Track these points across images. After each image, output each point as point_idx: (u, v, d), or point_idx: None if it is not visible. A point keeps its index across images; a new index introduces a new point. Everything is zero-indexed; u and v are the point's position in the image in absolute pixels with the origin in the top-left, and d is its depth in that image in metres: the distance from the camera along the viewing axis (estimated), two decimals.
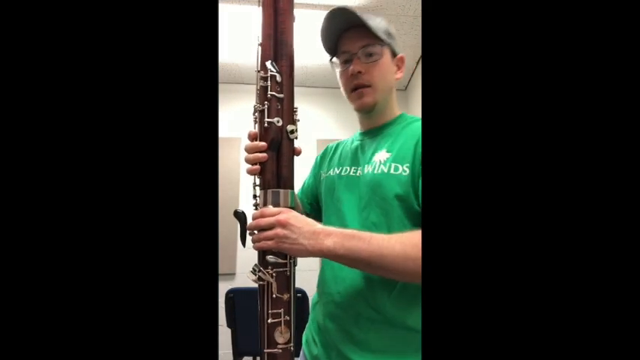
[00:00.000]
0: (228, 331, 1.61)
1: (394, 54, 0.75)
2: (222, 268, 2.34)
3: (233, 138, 2.61)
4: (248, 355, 1.66)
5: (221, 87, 2.55)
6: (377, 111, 0.74)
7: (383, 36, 0.70)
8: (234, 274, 2.40)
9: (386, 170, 0.67)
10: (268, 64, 0.60)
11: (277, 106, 0.60)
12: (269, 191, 0.60)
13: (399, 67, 0.77)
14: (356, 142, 0.79)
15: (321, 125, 2.67)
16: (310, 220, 0.59)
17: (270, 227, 0.57)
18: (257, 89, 0.62)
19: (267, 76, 0.60)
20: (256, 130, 0.62)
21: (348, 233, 0.58)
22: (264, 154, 0.59)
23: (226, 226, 2.38)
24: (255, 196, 0.62)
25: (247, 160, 0.61)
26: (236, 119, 2.64)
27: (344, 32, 0.72)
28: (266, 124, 0.60)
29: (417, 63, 2.54)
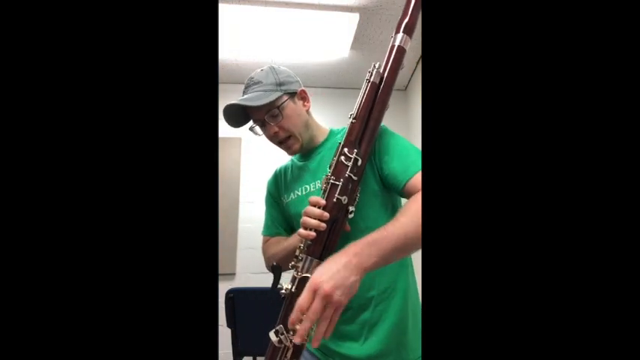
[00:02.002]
0: (228, 331, 1.60)
1: (294, 93, 0.84)
2: (222, 268, 2.34)
3: (233, 138, 2.60)
4: (248, 355, 1.66)
5: (221, 87, 2.54)
6: (306, 144, 0.85)
7: (276, 92, 0.79)
8: (234, 274, 2.40)
9: None
10: (353, 154, 0.66)
11: (349, 185, 0.65)
12: (314, 260, 0.63)
13: (304, 99, 0.86)
14: (300, 163, 0.88)
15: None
16: (334, 261, 0.56)
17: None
18: (336, 159, 0.67)
19: (352, 158, 0.66)
20: (320, 198, 0.66)
21: (369, 241, 0.57)
22: (324, 225, 0.64)
23: (226, 226, 2.38)
24: (296, 257, 0.66)
25: (307, 224, 0.64)
26: None
27: (245, 109, 0.82)
28: (335, 200, 0.64)
29: (417, 63, 2.54)
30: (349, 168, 0.66)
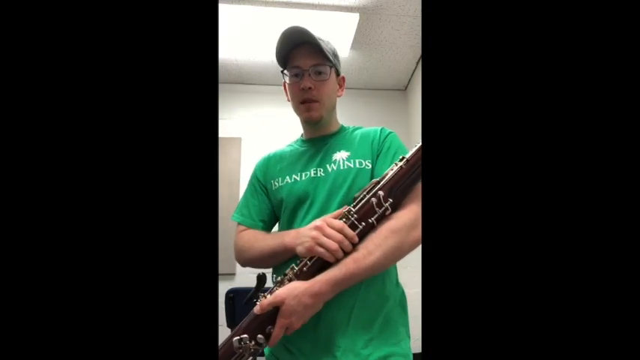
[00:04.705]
0: (228, 331, 1.61)
1: (338, 74, 0.84)
2: (222, 268, 2.34)
3: (233, 138, 2.61)
4: None
5: (221, 87, 2.54)
6: (323, 123, 0.82)
7: (331, 57, 0.78)
8: (234, 274, 2.40)
9: (352, 165, 0.75)
10: (387, 204, 0.64)
11: (367, 230, 0.63)
12: None
13: (340, 86, 0.85)
14: (302, 149, 0.84)
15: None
16: (297, 288, 0.61)
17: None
18: (367, 197, 0.64)
19: (384, 207, 0.63)
20: (354, 234, 0.63)
21: (336, 281, 0.61)
22: (341, 254, 0.61)
23: (226, 226, 2.38)
24: (285, 274, 0.65)
25: (324, 245, 0.61)
26: (236, 119, 2.64)
27: (296, 47, 0.78)
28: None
29: (417, 63, 2.54)
30: (376, 215, 0.63)
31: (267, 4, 1.88)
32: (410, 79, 2.73)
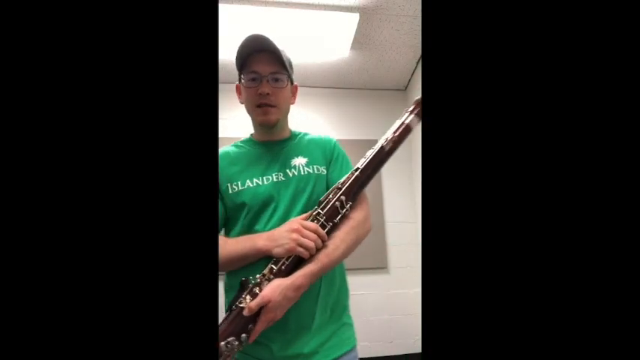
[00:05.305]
0: None
1: (292, 82, 0.89)
2: None
3: (233, 138, 2.60)
4: None
5: (221, 87, 2.54)
6: (278, 127, 0.88)
7: (287, 66, 0.84)
8: None
9: (311, 171, 0.84)
10: (348, 206, 0.75)
11: (333, 230, 0.75)
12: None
13: (293, 94, 0.92)
14: (257, 151, 0.88)
15: (313, 124, 2.66)
16: (281, 284, 0.67)
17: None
18: (332, 202, 0.74)
19: (346, 208, 0.75)
20: (324, 234, 0.73)
21: (312, 273, 0.70)
22: (314, 249, 0.71)
23: None
24: (263, 275, 0.70)
25: (304, 245, 0.70)
26: (236, 119, 2.64)
27: (256, 53, 0.82)
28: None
29: (417, 63, 2.54)
30: (340, 215, 0.74)
31: (267, 4, 1.88)
32: (410, 79, 2.73)
